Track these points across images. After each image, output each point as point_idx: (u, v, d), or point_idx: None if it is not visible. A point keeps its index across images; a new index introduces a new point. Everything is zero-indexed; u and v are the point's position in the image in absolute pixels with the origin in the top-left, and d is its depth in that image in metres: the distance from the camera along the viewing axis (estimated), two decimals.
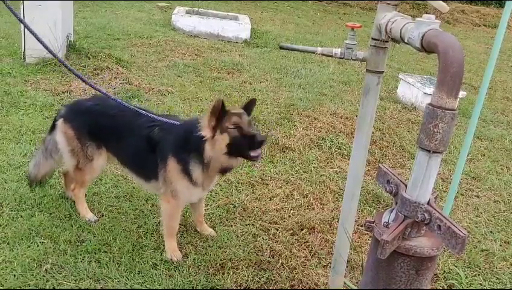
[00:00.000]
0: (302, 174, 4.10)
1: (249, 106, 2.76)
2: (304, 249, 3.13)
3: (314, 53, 2.27)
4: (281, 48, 2.40)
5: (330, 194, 3.84)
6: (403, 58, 8.81)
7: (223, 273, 2.80)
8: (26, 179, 3.43)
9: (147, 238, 3.02)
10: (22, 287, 2.52)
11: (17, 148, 3.84)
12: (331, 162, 4.41)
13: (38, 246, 2.82)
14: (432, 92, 1.44)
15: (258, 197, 3.66)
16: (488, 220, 3.77)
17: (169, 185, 2.76)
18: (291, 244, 3.16)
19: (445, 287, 2.96)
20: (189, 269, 2.80)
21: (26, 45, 5.71)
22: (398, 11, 2.03)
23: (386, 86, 6.86)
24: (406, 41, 1.72)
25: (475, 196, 4.15)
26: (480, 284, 3.02)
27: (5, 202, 3.17)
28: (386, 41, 2.08)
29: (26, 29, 5.52)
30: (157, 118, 2.81)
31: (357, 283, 2.81)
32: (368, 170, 4.22)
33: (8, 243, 2.81)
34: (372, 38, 2.12)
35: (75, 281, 2.60)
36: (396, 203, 1.60)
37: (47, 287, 2.54)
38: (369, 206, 3.72)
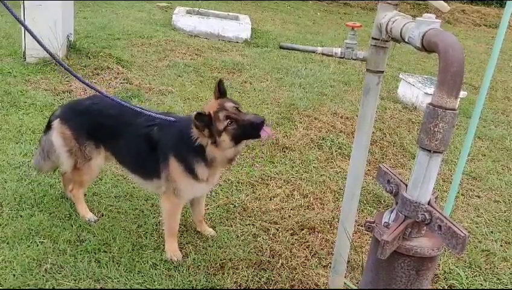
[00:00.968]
0: (302, 174, 4.09)
1: (220, 90, 2.69)
2: (304, 249, 3.13)
3: (314, 53, 2.27)
4: (281, 47, 2.40)
5: (330, 194, 3.84)
6: (403, 58, 8.80)
7: (223, 274, 2.80)
8: (26, 178, 3.44)
9: (146, 238, 3.02)
10: (22, 287, 2.52)
11: (17, 148, 3.84)
12: (332, 162, 4.40)
13: (37, 245, 2.82)
14: (433, 91, 1.44)
15: (258, 197, 3.65)
16: (488, 220, 3.76)
17: (172, 183, 2.74)
18: (292, 244, 3.16)
19: (446, 288, 2.95)
20: (189, 269, 2.79)
21: (27, 44, 5.70)
22: (399, 11, 2.03)
23: (386, 86, 6.86)
24: (406, 40, 1.72)
25: (476, 196, 4.14)
26: (481, 284, 3.01)
27: (5, 201, 3.17)
28: (387, 41, 2.08)
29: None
30: (156, 116, 2.80)
31: (357, 283, 2.81)
32: (368, 170, 4.21)
33: (7, 243, 2.81)
34: (373, 38, 2.12)
35: (75, 281, 2.60)
36: (396, 203, 1.60)
37: (46, 287, 2.54)
38: (370, 206, 3.71)
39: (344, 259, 2.56)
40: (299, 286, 2.81)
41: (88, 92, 5.11)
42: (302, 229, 3.32)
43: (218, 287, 2.70)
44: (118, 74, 5.83)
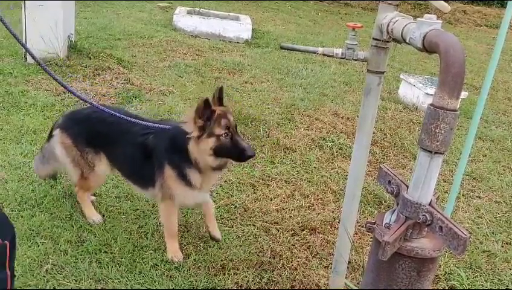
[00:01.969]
0: (303, 175, 4.09)
1: (220, 95, 2.66)
2: (305, 250, 3.13)
3: (315, 53, 2.26)
4: (282, 48, 2.39)
5: (331, 194, 3.84)
6: (404, 59, 8.79)
7: (224, 274, 2.80)
8: (27, 178, 3.44)
9: (147, 238, 3.02)
10: (23, 287, 2.52)
11: (17, 149, 3.84)
12: (332, 162, 4.40)
13: (38, 246, 2.82)
14: (434, 92, 1.44)
15: (259, 198, 3.65)
16: (489, 221, 3.76)
17: (167, 190, 2.74)
18: (292, 245, 3.16)
19: (447, 288, 2.95)
20: (189, 270, 2.79)
21: (28, 45, 5.69)
22: (400, 11, 2.02)
23: (387, 87, 6.85)
24: (407, 41, 1.71)
25: (477, 196, 4.14)
26: (482, 285, 3.01)
27: (6, 202, 3.17)
28: (388, 42, 2.07)
29: (27, 30, 5.55)
30: (150, 125, 2.77)
31: (358, 283, 2.80)
32: (369, 171, 4.21)
33: None
34: (374, 39, 2.11)
35: (76, 281, 2.60)
36: (397, 204, 1.59)
37: (47, 287, 2.54)
38: (371, 207, 3.71)
39: (345, 260, 2.55)
40: (299, 287, 2.81)
41: (88, 93, 5.11)
42: (303, 230, 3.32)
43: (219, 288, 2.70)
44: (118, 74, 5.83)
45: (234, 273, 2.81)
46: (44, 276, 2.61)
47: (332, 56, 2.25)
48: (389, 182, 1.66)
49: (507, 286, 3.04)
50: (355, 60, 2.21)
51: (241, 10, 11.53)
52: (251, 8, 12.40)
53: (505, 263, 3.24)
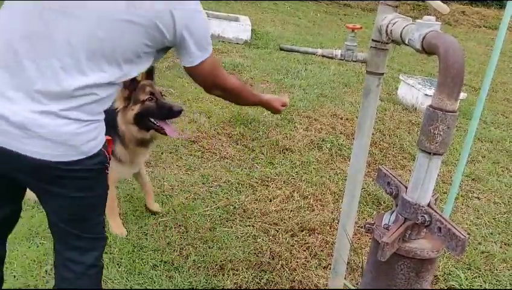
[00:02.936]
0: (302, 176, 4.10)
1: (149, 73, 2.65)
2: (304, 251, 3.13)
3: (314, 54, 2.27)
4: (281, 49, 2.40)
5: (330, 195, 3.84)
6: (403, 60, 8.80)
7: (223, 275, 2.80)
8: None
9: (146, 239, 3.02)
10: (22, 288, 2.52)
11: None
12: (332, 163, 4.41)
13: (38, 247, 2.82)
14: (433, 93, 1.44)
15: (258, 199, 3.66)
16: (488, 222, 3.76)
17: None
18: (292, 245, 3.16)
19: (445, 289, 2.95)
20: (189, 270, 2.80)
21: None
22: (399, 13, 2.03)
23: (386, 87, 6.86)
24: (406, 42, 1.72)
25: (476, 197, 4.15)
26: (480, 285, 3.02)
27: None
28: (387, 43, 2.08)
29: None
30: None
31: (357, 284, 2.81)
32: (368, 171, 4.22)
33: (8, 244, 2.80)
34: (373, 40, 2.12)
35: None
36: (396, 205, 1.60)
37: (47, 288, 2.54)
38: (370, 208, 3.72)
39: (344, 260, 2.56)
40: (299, 287, 2.82)
41: None
42: (302, 231, 3.33)
43: (218, 288, 2.70)
44: None
45: (233, 274, 2.82)
46: (43, 276, 2.61)
47: (331, 57, 2.25)
48: (388, 183, 1.66)
49: (505, 286, 3.05)
50: (355, 61, 2.21)
51: (241, 11, 11.53)
52: (250, 9, 12.40)
53: (504, 264, 3.25)
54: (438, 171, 1.51)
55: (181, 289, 2.66)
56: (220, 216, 3.37)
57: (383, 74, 2.20)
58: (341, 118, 5.41)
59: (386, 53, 2.14)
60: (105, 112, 1.74)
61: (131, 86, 2.55)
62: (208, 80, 1.84)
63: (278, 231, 3.28)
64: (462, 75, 1.40)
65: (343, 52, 2.21)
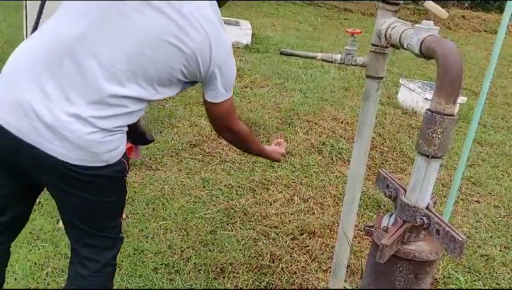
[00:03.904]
0: (302, 179, 4.11)
1: None
2: (304, 254, 3.14)
3: (314, 59, 2.29)
4: (282, 53, 2.42)
5: (330, 198, 3.85)
6: (403, 64, 8.82)
7: (224, 278, 2.81)
8: None
9: (147, 242, 3.03)
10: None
11: None
12: (332, 167, 4.42)
13: (39, 249, 2.83)
14: (431, 97, 1.46)
15: (259, 202, 3.67)
16: (488, 225, 3.77)
17: None
18: (292, 248, 3.17)
19: None
20: (189, 273, 2.81)
21: None
22: (400, 17, 2.05)
23: (386, 92, 6.88)
24: (405, 47, 1.74)
25: (475, 201, 4.16)
26: (480, 289, 3.02)
27: None
28: (386, 47, 2.10)
29: (29, 34, 5.56)
30: None
31: (357, 287, 2.82)
32: (369, 175, 4.23)
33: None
34: (372, 44, 2.14)
35: None
36: (395, 207, 1.61)
37: (49, 289, 2.56)
38: (370, 211, 3.73)
39: (344, 263, 2.57)
40: None
41: None
42: (302, 234, 3.34)
43: None
44: None
45: (234, 277, 2.83)
46: (44, 279, 2.62)
47: (331, 61, 2.27)
48: (387, 185, 1.68)
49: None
50: (354, 65, 2.23)
51: (241, 15, 11.57)
52: (251, 13, 12.44)
53: (503, 267, 3.26)
54: (437, 174, 1.52)
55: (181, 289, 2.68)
56: (220, 219, 3.39)
57: (382, 78, 2.21)
58: (341, 122, 5.43)
59: (385, 57, 2.16)
60: None
61: None
62: (223, 119, 1.94)
63: (278, 234, 3.29)
64: (460, 79, 1.42)
65: (342, 56, 2.23)
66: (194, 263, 2.89)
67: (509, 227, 3.79)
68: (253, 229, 3.32)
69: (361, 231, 3.39)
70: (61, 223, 1.91)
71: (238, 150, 3.41)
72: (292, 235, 3.31)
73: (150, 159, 4.04)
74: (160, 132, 4.59)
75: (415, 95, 6.15)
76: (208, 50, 1.70)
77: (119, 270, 2.74)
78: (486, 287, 3.05)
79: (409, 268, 1.54)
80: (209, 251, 3.04)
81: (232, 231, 3.28)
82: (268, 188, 3.90)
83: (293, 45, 9.32)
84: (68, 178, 1.66)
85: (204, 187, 3.78)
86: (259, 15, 12.48)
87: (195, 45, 1.67)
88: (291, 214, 3.57)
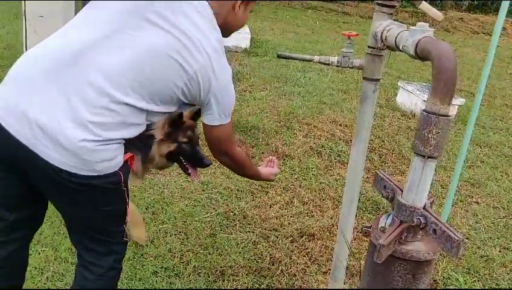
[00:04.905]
0: (301, 182, 4.12)
1: (197, 113, 2.69)
2: (304, 256, 3.15)
3: (311, 61, 2.30)
4: (279, 56, 2.44)
5: (330, 201, 3.86)
6: (402, 66, 8.85)
7: (223, 280, 2.82)
8: None
9: (147, 245, 3.04)
10: None
11: None
12: (331, 169, 4.43)
13: (39, 254, 2.84)
14: (426, 98, 1.47)
15: (258, 205, 3.68)
16: (487, 226, 3.78)
17: None
18: (291, 251, 3.18)
19: None
20: (189, 276, 2.82)
21: None
22: (397, 19, 2.07)
23: (385, 94, 6.90)
24: (401, 49, 1.75)
25: (474, 202, 4.17)
26: (480, 289, 3.03)
27: None
28: (382, 49, 2.11)
29: (28, 41, 5.59)
30: None
31: (356, 288, 2.82)
32: (367, 177, 4.24)
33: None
34: (369, 46, 2.16)
35: None
36: (393, 208, 1.62)
37: None
38: (368, 213, 3.74)
39: (343, 265, 2.58)
40: None
41: None
42: (302, 236, 3.34)
43: None
44: None
45: (233, 280, 2.83)
46: (45, 283, 2.63)
47: (328, 64, 2.29)
48: (384, 186, 1.69)
49: None
50: (351, 67, 2.25)
51: None
52: (250, 17, 12.42)
53: (503, 268, 3.26)
54: (433, 174, 1.53)
55: None
56: (220, 222, 3.39)
57: (379, 79, 2.23)
58: (340, 125, 5.44)
59: (382, 59, 2.18)
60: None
61: (174, 124, 2.53)
62: (219, 142, 2.01)
63: (277, 237, 3.30)
64: (454, 80, 1.44)
65: (339, 58, 2.25)
66: (194, 266, 2.90)
67: (509, 228, 3.80)
68: (253, 232, 3.33)
69: (360, 233, 3.40)
70: None
71: None
72: (292, 238, 3.31)
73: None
74: None
75: (414, 97, 6.17)
76: (209, 74, 1.76)
77: None
78: (486, 288, 3.05)
79: (406, 268, 1.55)
80: (209, 254, 3.04)
81: (231, 234, 3.29)
82: (267, 191, 3.90)
83: (292, 48, 9.34)
84: (60, 185, 1.66)
85: (203, 191, 3.79)
86: (258, 19, 12.51)
87: (197, 66, 1.72)
88: (291, 216, 3.57)
